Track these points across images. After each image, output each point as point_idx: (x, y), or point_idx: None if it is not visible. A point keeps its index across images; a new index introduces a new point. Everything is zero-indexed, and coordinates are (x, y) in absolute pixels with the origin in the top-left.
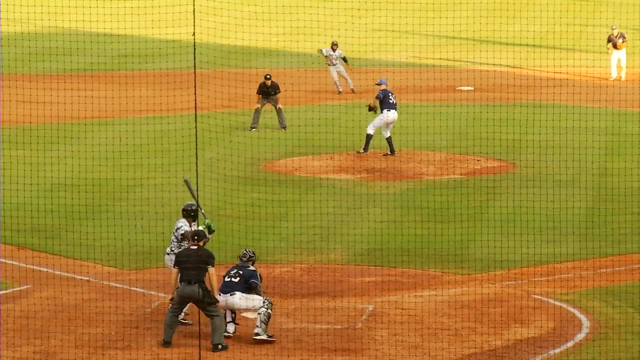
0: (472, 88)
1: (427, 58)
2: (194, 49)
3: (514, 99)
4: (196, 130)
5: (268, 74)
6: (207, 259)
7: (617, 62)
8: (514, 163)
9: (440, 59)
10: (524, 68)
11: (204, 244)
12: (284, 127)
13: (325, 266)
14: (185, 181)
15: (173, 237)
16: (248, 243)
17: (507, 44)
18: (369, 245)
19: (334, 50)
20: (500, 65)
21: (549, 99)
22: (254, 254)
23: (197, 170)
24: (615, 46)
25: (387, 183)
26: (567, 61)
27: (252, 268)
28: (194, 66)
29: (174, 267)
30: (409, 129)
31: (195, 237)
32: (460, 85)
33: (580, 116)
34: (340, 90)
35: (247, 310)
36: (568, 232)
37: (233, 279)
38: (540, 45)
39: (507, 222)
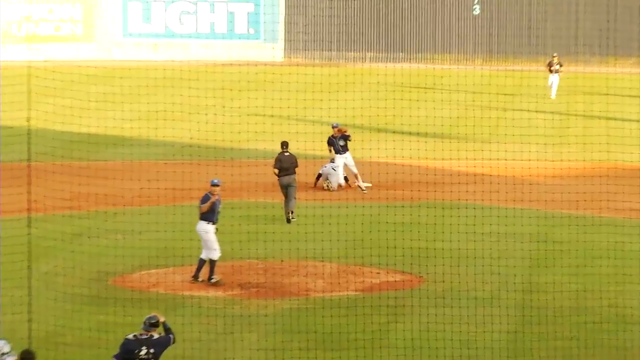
0: (370, 184)
1: (313, 149)
2: (29, 137)
3: (419, 198)
4: (29, 238)
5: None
6: None
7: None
8: (420, 276)
9: (330, 150)
10: (430, 160)
11: None
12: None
13: None
14: None
15: None
16: None
17: (410, 133)
18: None
19: None
20: (403, 157)
21: (461, 198)
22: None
23: (29, 287)
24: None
25: (265, 302)
26: (483, 153)
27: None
28: (28, 159)
29: None
30: (292, 235)
31: None
32: (356, 181)
33: (500, 219)
34: None
35: None
36: None
37: None
38: (450, 135)
39: (412, 350)
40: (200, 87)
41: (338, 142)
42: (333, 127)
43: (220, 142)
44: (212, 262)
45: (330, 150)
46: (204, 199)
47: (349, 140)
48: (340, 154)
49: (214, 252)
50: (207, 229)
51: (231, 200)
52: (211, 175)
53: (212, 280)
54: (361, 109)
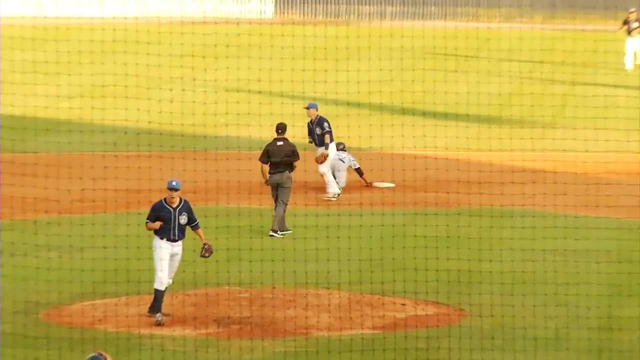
0: (393, 184)
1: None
2: None
3: (458, 203)
4: None
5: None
6: None
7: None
8: (460, 309)
9: (338, 137)
10: (473, 152)
11: None
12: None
13: None
14: None
15: None
16: None
17: (445, 115)
18: None
19: None
20: (436, 147)
21: (515, 203)
22: None
23: None
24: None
25: (250, 343)
26: (544, 142)
27: None
28: None
29: None
30: (287, 252)
31: None
32: (374, 180)
33: (568, 232)
34: None
35: None
36: None
37: None
38: (500, 118)
39: None
40: (162, 54)
41: (314, 130)
42: (307, 109)
43: (189, 128)
44: (155, 293)
45: (310, 142)
46: (154, 209)
47: (326, 131)
48: (318, 146)
49: (155, 278)
50: (155, 245)
51: (204, 206)
52: (177, 173)
53: (157, 319)
54: (379, 82)
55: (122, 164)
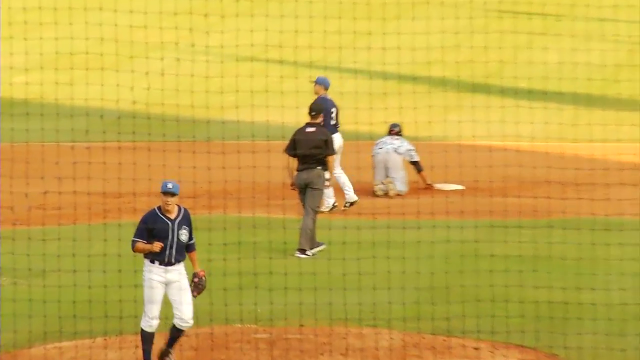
0: (461, 187)
1: (356, 122)
2: None
3: (549, 212)
4: None
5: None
6: None
7: None
8: (553, 354)
9: (386, 122)
10: (568, 142)
11: None
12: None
13: None
14: None
15: None
16: None
17: (529, 94)
18: None
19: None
20: (518, 137)
21: (625, 212)
22: None
23: None
24: None
25: None
26: None
27: None
28: None
29: None
30: (318, 278)
31: None
32: (436, 181)
33: None
34: None
35: None
36: None
37: None
38: (605, 97)
39: None
40: (149, 11)
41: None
42: (315, 84)
43: (186, 110)
44: (141, 333)
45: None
46: (146, 221)
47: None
48: None
49: (143, 315)
50: (145, 270)
51: (208, 216)
52: (170, 170)
53: None
54: (441, 49)
55: (97, 158)
